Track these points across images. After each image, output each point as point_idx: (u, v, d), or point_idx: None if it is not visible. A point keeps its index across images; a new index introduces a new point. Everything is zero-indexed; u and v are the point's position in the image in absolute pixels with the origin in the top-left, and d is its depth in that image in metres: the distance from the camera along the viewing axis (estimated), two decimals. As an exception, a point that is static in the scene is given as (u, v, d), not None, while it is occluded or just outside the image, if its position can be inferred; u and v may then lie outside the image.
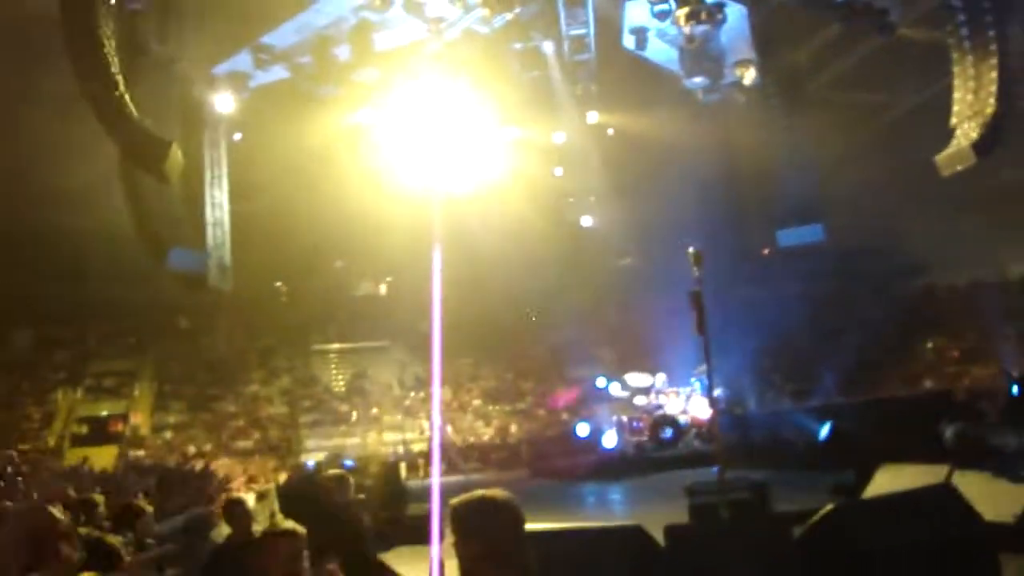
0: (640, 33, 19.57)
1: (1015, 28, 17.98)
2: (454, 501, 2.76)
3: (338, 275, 35.42)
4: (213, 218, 18.97)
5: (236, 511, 6.36)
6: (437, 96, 21.41)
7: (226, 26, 18.86)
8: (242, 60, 19.03)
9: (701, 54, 19.72)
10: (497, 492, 2.82)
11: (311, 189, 25.76)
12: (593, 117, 24.48)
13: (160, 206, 17.81)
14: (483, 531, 2.67)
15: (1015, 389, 15.84)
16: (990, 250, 29.04)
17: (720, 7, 18.60)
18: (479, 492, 2.81)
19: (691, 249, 8.84)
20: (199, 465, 21.61)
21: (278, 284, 33.51)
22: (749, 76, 20.47)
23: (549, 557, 2.91)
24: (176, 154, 16.37)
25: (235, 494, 13.76)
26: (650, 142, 25.10)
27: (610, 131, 25.65)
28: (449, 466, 22.54)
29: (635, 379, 23.05)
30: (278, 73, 19.39)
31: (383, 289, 36.83)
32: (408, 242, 31.86)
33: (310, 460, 23.25)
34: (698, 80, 20.12)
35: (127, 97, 15.23)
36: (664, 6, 18.18)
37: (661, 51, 20.23)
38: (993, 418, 15.22)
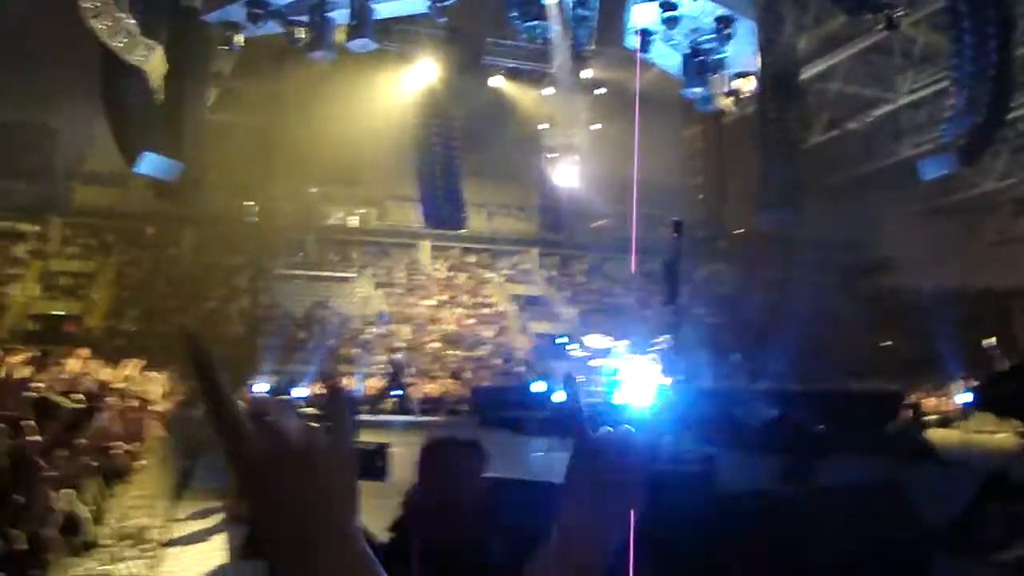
0: (646, 36, 19.32)
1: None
2: (426, 441, 2.77)
3: (311, 201, 35.10)
4: (191, 127, 18.58)
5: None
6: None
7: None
8: (234, 11, 18.33)
9: (704, 64, 19.60)
10: (463, 436, 2.82)
11: (295, 109, 25.42)
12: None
13: (139, 107, 17.38)
14: (446, 473, 2.68)
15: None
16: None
17: (729, 21, 18.54)
18: (448, 434, 2.82)
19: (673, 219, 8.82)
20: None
21: (250, 203, 33.09)
22: (748, 87, 20.52)
23: (500, 505, 2.91)
24: (158, 55, 16.01)
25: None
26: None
27: None
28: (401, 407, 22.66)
29: (596, 341, 23.14)
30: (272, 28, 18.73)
31: (355, 220, 36.61)
32: (385, 179, 31.80)
33: (261, 384, 23.08)
34: (698, 90, 20.02)
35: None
36: (674, 13, 18.02)
37: (665, 56, 20.03)
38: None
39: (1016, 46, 17.81)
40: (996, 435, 13.50)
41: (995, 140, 19.22)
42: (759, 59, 20.07)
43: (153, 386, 13.65)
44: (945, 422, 19.28)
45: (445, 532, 2.58)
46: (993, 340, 16.21)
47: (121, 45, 15.54)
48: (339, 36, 18.23)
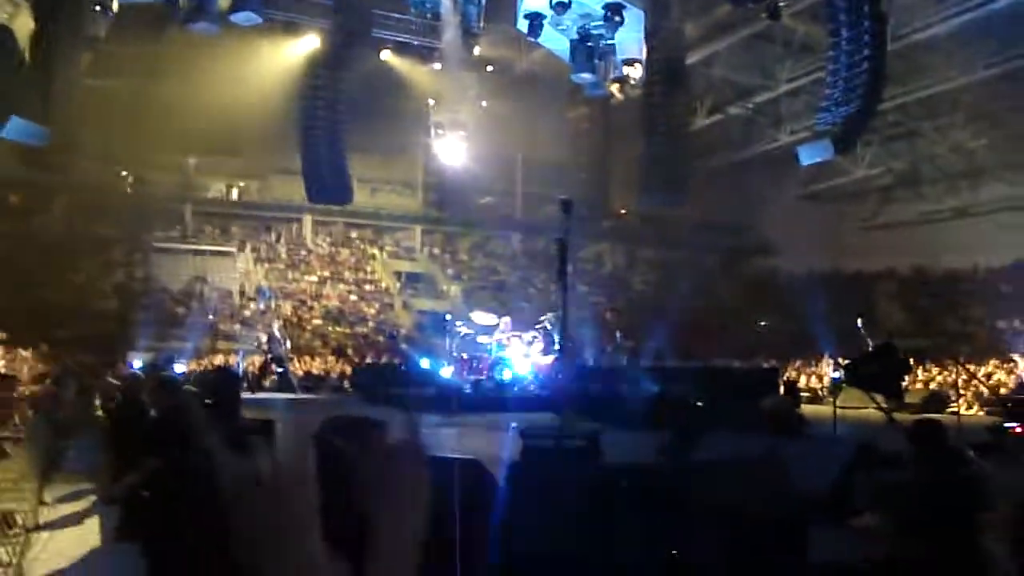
0: (535, 19, 19.32)
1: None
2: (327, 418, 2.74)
3: (190, 172, 34.05)
4: (62, 92, 17.67)
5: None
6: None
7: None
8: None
9: (593, 50, 19.75)
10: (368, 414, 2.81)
11: (175, 76, 24.55)
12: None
13: (3, 68, 16.41)
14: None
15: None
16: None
17: (618, 8, 18.74)
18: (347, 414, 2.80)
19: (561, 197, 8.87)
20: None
21: (124, 173, 31.84)
22: (636, 73, 20.83)
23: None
24: (24, 14, 15.23)
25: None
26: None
27: None
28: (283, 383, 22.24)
29: (481, 318, 23.12)
30: None
31: (235, 193, 35.69)
32: (268, 151, 31.09)
33: (137, 360, 22.35)
34: (587, 76, 20.19)
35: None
36: None
37: (554, 40, 20.11)
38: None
39: (888, 40, 18.53)
40: (862, 409, 14.17)
41: (867, 130, 20.00)
42: (646, 46, 20.39)
43: (19, 363, 13.03)
44: (817, 398, 20.18)
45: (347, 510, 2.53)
46: (859, 321, 16.93)
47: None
48: (223, 4, 17.59)
